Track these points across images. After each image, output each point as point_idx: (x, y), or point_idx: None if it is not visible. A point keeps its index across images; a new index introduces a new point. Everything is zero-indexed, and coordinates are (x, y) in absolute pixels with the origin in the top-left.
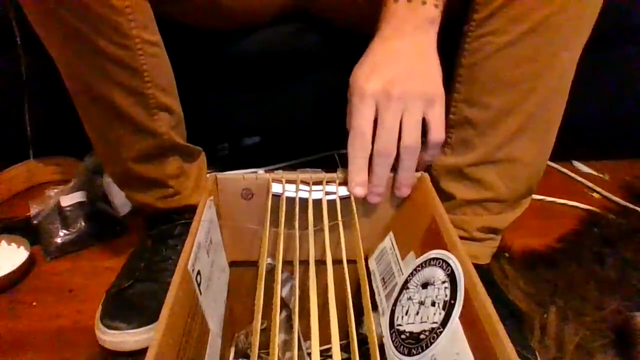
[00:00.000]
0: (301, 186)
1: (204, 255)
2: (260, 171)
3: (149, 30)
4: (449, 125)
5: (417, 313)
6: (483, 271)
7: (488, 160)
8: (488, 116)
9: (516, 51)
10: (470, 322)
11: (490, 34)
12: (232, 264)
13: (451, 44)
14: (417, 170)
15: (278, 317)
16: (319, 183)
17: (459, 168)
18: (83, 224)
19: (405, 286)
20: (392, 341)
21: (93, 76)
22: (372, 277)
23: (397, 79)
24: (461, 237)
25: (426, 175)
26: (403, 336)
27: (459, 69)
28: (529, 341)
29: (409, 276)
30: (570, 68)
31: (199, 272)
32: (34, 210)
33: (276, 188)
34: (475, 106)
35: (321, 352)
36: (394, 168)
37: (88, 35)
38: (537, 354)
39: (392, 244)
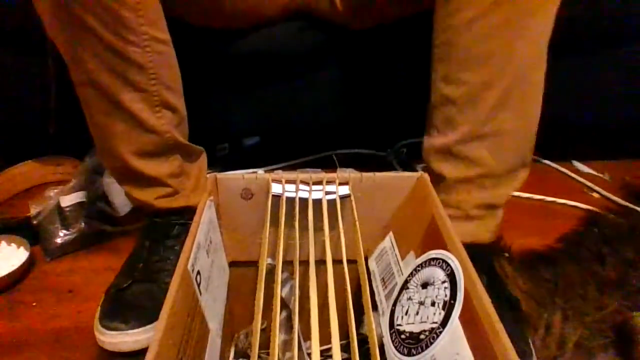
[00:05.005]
0: (301, 186)
1: (204, 255)
2: (260, 171)
3: (157, 27)
4: (432, 107)
5: (417, 313)
6: (483, 251)
7: (474, 136)
8: (466, 92)
9: (485, 24)
10: (470, 322)
11: (457, 11)
12: (232, 264)
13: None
14: None
15: (278, 317)
16: (319, 183)
17: (447, 147)
18: (83, 224)
19: (405, 286)
20: (392, 341)
21: (98, 69)
22: (372, 277)
23: None
24: (457, 217)
25: (426, 175)
26: (403, 336)
27: (434, 48)
28: (524, 333)
29: (408, 276)
30: (542, 37)
31: (198, 272)
32: (34, 210)
33: (276, 188)
34: (453, 83)
35: (321, 352)
36: (391, 167)
37: (96, 28)
38: (530, 343)
39: (392, 244)
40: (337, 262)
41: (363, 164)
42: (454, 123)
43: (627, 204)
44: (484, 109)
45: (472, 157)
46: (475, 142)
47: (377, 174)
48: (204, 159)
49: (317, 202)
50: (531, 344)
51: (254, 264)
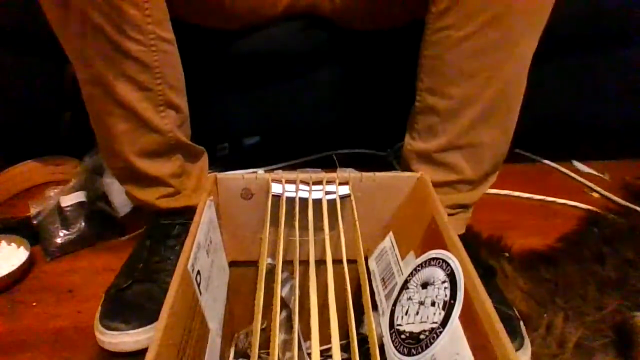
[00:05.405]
0: (301, 186)
1: (204, 255)
2: (260, 171)
3: (163, 26)
4: (416, 112)
5: (417, 313)
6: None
7: (453, 146)
8: (450, 105)
9: (473, 44)
10: (470, 322)
11: (447, 28)
12: (232, 264)
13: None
14: None
15: (278, 317)
16: (319, 183)
17: (428, 153)
18: (83, 224)
19: (405, 286)
20: (392, 341)
21: (104, 68)
22: (372, 277)
23: None
24: None
25: (426, 175)
26: (403, 336)
27: (421, 58)
28: (504, 296)
29: (408, 276)
30: (527, 58)
31: (198, 272)
32: (34, 210)
33: (276, 188)
34: (438, 95)
35: (321, 352)
36: (391, 167)
37: (102, 26)
38: (514, 308)
39: (392, 243)
40: (337, 262)
41: (363, 164)
42: (436, 132)
43: (627, 204)
44: (466, 122)
45: (451, 165)
46: (455, 151)
47: (377, 174)
48: (205, 159)
49: (317, 202)
50: (515, 310)
51: (254, 264)
